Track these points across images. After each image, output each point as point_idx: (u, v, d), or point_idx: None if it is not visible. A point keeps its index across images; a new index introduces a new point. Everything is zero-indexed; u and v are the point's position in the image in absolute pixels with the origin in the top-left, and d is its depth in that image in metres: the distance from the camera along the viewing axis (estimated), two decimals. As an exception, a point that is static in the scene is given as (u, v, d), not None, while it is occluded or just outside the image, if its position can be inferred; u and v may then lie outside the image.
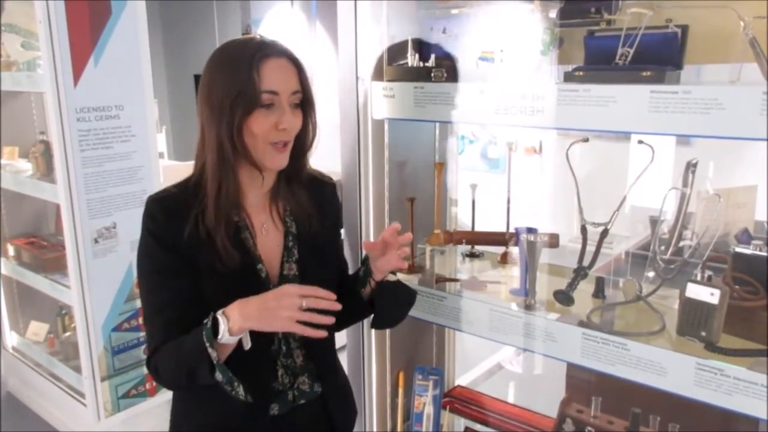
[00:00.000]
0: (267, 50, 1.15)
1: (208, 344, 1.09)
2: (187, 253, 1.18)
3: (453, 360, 2.17)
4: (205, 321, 1.11)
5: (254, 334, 1.13)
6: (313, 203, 1.31)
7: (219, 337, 1.09)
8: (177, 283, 1.18)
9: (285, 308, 1.07)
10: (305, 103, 1.21)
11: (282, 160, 1.21)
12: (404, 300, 1.38)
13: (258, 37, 1.20)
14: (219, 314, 1.10)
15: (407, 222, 1.74)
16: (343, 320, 1.39)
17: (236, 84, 1.13)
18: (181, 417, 1.32)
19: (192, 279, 1.18)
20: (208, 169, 1.19)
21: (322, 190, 1.37)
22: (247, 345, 1.13)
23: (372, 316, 1.36)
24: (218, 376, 1.11)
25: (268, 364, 1.26)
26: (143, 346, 2.67)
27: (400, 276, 1.73)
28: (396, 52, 1.66)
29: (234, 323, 1.09)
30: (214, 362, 1.09)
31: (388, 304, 1.34)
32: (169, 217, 1.19)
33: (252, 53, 1.14)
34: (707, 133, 1.16)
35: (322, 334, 1.10)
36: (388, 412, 1.91)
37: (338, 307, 1.11)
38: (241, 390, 1.13)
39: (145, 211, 1.22)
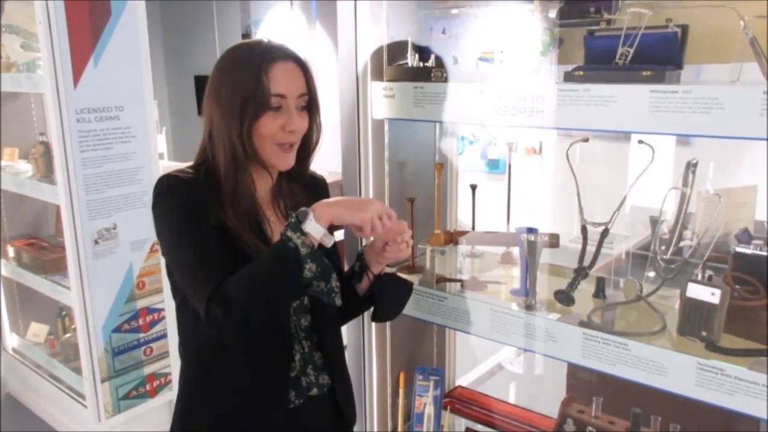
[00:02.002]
0: (275, 53, 1.19)
1: (296, 234, 1.08)
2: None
3: (454, 360, 2.17)
4: (289, 219, 1.11)
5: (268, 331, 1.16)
6: (311, 199, 1.33)
7: (305, 224, 1.09)
8: (213, 234, 1.16)
9: (373, 206, 1.15)
10: (311, 106, 1.25)
11: (289, 160, 1.25)
12: (403, 291, 1.41)
13: (266, 40, 1.23)
14: (302, 208, 1.12)
15: (407, 222, 1.74)
16: (341, 316, 1.41)
17: (245, 87, 1.16)
18: (192, 414, 1.31)
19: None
20: (221, 170, 1.21)
21: (317, 186, 1.41)
22: (330, 242, 1.14)
23: (371, 310, 1.38)
24: (309, 269, 1.09)
25: (286, 346, 1.27)
26: (143, 347, 2.68)
27: (401, 275, 1.73)
28: (396, 52, 1.66)
29: (321, 211, 1.12)
30: (305, 251, 1.08)
31: (388, 296, 1.36)
32: (190, 190, 1.19)
33: (261, 57, 1.17)
34: (707, 132, 1.16)
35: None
36: (389, 412, 1.91)
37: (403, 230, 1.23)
38: (333, 281, 1.14)
39: (164, 183, 1.19)
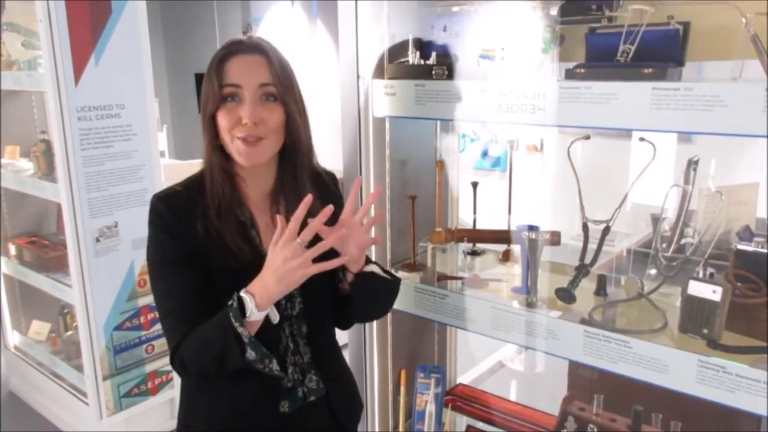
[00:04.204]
0: (232, 48, 1.18)
1: (237, 323, 1.08)
2: (199, 250, 1.18)
3: (455, 358, 2.17)
4: (229, 302, 1.10)
5: (263, 334, 1.14)
6: (319, 197, 1.29)
7: (247, 315, 1.09)
8: (193, 278, 1.18)
9: (292, 260, 1.07)
10: (284, 97, 1.19)
11: (254, 156, 1.19)
12: (383, 290, 1.31)
13: (238, 38, 1.21)
14: (242, 292, 1.10)
15: (409, 220, 1.74)
16: (343, 319, 1.39)
17: (206, 82, 1.18)
18: (190, 417, 1.31)
19: (206, 273, 1.18)
20: (206, 172, 1.22)
21: (324, 184, 1.36)
22: (275, 319, 1.15)
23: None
24: (250, 355, 1.11)
25: (278, 361, 1.25)
26: (145, 345, 2.68)
27: (402, 273, 1.73)
28: (397, 50, 1.65)
29: (260, 297, 1.09)
30: (246, 341, 1.09)
31: (365, 297, 1.28)
32: (177, 214, 1.20)
33: (219, 54, 1.18)
34: (709, 130, 1.16)
35: (343, 259, 1.15)
36: (390, 410, 1.92)
37: (328, 210, 1.11)
38: (274, 365, 1.15)
39: (152, 209, 1.22)
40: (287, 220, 1.26)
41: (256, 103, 1.16)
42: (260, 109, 1.16)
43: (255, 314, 1.10)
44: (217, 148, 1.19)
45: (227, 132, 1.17)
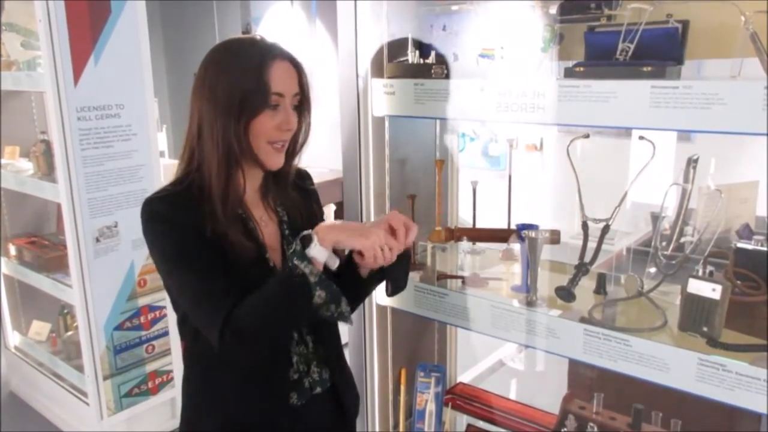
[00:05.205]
0: (274, 52, 1.18)
1: (304, 262, 1.08)
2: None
3: (455, 357, 2.17)
4: (291, 249, 1.11)
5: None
6: (299, 193, 1.35)
7: (310, 247, 1.09)
8: (212, 256, 1.16)
9: (376, 235, 1.12)
10: (303, 105, 1.23)
11: (280, 160, 1.24)
12: (406, 260, 1.34)
13: (259, 37, 1.22)
14: (305, 231, 1.12)
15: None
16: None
17: (246, 84, 1.15)
18: (198, 416, 1.31)
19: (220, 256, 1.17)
20: (212, 168, 1.19)
21: (303, 180, 1.40)
22: (334, 264, 1.15)
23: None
24: (319, 297, 1.10)
25: (283, 353, 1.26)
26: (145, 345, 2.68)
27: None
28: (396, 49, 1.65)
29: (323, 232, 1.11)
30: (314, 279, 1.09)
31: (401, 273, 1.31)
32: (177, 210, 1.19)
33: (262, 55, 1.17)
34: (708, 128, 1.16)
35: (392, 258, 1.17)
36: (390, 409, 1.92)
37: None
38: (343, 305, 1.15)
39: (149, 210, 1.20)
40: (277, 213, 1.31)
41: (292, 111, 1.20)
42: (294, 117, 1.21)
43: (317, 249, 1.10)
44: (237, 147, 1.17)
45: (264, 136, 1.18)
